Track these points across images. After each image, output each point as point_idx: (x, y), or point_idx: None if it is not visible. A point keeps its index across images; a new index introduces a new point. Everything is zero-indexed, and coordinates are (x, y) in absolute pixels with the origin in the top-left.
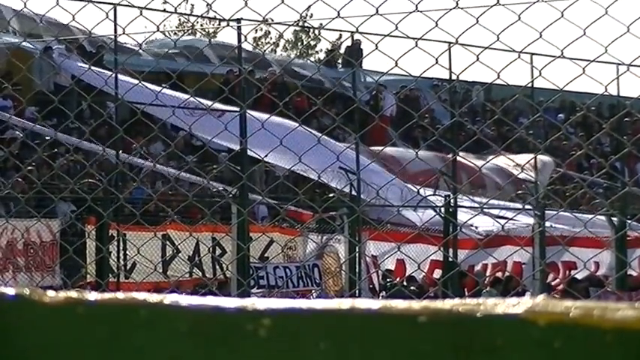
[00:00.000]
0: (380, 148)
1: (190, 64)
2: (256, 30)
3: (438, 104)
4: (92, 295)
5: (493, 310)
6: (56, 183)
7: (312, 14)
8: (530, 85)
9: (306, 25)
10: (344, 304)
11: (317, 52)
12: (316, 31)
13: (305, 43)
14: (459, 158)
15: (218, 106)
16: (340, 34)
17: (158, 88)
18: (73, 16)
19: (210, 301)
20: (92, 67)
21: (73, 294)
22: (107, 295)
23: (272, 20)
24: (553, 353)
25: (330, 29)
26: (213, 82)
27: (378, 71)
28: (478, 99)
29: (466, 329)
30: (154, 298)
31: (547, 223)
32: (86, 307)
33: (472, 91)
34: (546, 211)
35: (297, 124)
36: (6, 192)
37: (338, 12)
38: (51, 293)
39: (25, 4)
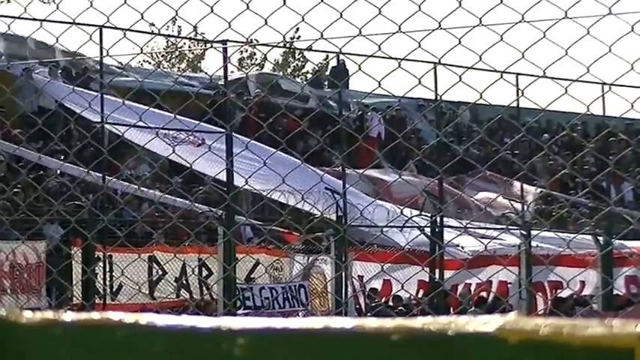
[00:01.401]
0: (367, 170)
1: (176, 86)
2: (241, 51)
3: (426, 125)
4: (68, 316)
5: (465, 329)
6: (42, 205)
7: (299, 36)
8: (515, 105)
9: (292, 46)
10: (318, 323)
11: (304, 73)
12: (303, 53)
13: (292, 64)
14: (445, 184)
15: (203, 126)
16: (327, 55)
17: (143, 108)
18: (57, 39)
19: (186, 320)
20: (76, 90)
21: (49, 315)
22: (83, 316)
23: (257, 41)
24: None
25: (315, 50)
26: (200, 104)
27: (363, 92)
28: (463, 119)
29: (439, 347)
30: (130, 318)
31: (534, 243)
32: (63, 328)
33: (459, 114)
34: (532, 231)
35: (282, 150)
36: None
37: (321, 33)
38: (28, 314)
39: (8, 26)
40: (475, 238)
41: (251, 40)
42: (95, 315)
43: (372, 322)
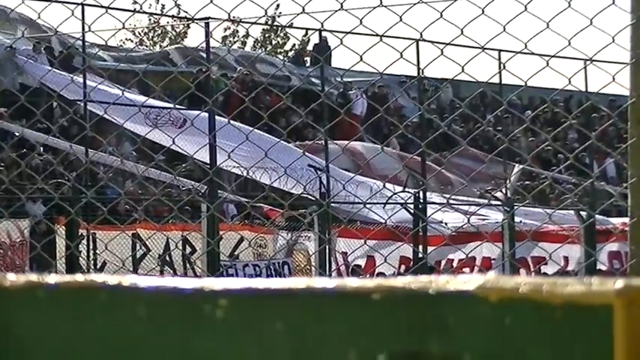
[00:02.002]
0: (349, 143)
1: (159, 66)
2: (225, 29)
3: (409, 102)
4: (52, 279)
5: (445, 287)
6: (25, 183)
7: (280, 12)
8: (497, 81)
9: (274, 22)
10: (300, 283)
11: (286, 51)
12: (285, 30)
13: (274, 42)
14: (428, 162)
15: (186, 112)
16: (307, 32)
17: (124, 90)
18: (39, 14)
19: (169, 282)
20: (57, 70)
21: (33, 278)
22: (67, 278)
23: (239, 18)
24: (504, 329)
25: (297, 27)
26: (183, 82)
27: (345, 69)
28: (446, 96)
29: (419, 306)
30: (113, 280)
31: (517, 219)
32: (46, 291)
33: (441, 88)
34: (516, 207)
35: (265, 128)
36: None
37: (303, 8)
38: (11, 277)
39: None
40: (460, 213)
41: (234, 17)
42: (79, 277)
43: (353, 282)
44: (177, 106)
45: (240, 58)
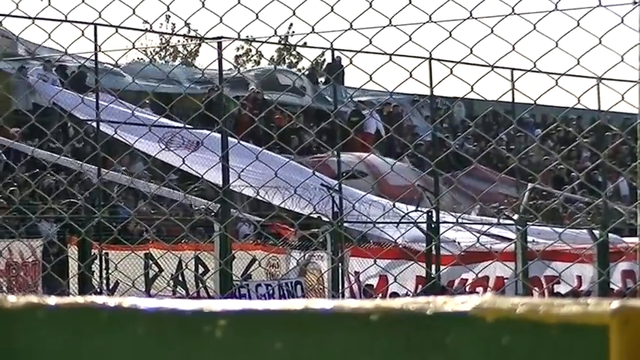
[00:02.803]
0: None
1: (172, 86)
2: (237, 49)
3: (422, 121)
4: (52, 300)
5: (442, 308)
6: (38, 203)
7: (293, 32)
8: (509, 100)
9: (286, 42)
10: (298, 304)
11: (300, 69)
12: (296, 49)
13: (287, 61)
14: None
15: (197, 132)
16: (323, 52)
17: (138, 111)
18: (49, 35)
19: (169, 303)
20: (68, 91)
21: (33, 299)
22: (67, 300)
23: (252, 37)
24: (501, 349)
25: (309, 47)
26: (195, 102)
27: (361, 88)
28: (458, 115)
29: (417, 327)
30: (113, 301)
31: (530, 239)
32: (47, 312)
33: (451, 107)
34: (527, 226)
35: (277, 146)
36: None
37: (312, 27)
38: (12, 298)
39: (0, 23)
40: (472, 232)
41: (246, 36)
42: (79, 298)
43: (351, 303)
44: (187, 126)
45: (259, 75)
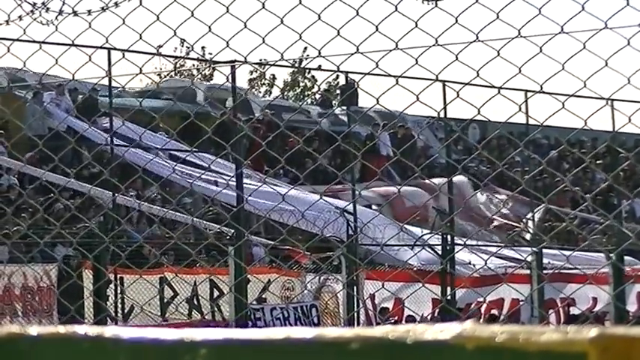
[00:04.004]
0: (376, 181)
1: (183, 105)
2: (251, 72)
3: (436, 143)
4: (34, 330)
5: (422, 337)
6: (51, 227)
7: (307, 55)
8: (521, 121)
9: (300, 65)
10: (278, 333)
11: (314, 92)
12: (312, 72)
13: (301, 84)
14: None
15: (216, 159)
16: (337, 75)
17: (142, 133)
18: (56, 60)
19: (150, 333)
20: (81, 115)
21: (15, 329)
22: (49, 329)
23: (266, 61)
24: None
25: (323, 70)
26: (209, 121)
27: (375, 109)
28: (473, 137)
29: (398, 355)
30: (94, 330)
31: (545, 260)
32: (28, 342)
33: (468, 129)
34: (540, 247)
35: (290, 174)
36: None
37: (319, 51)
38: None
39: (8, 48)
40: (477, 254)
41: (259, 60)
42: (61, 328)
43: (331, 332)
44: (198, 150)
45: (267, 107)
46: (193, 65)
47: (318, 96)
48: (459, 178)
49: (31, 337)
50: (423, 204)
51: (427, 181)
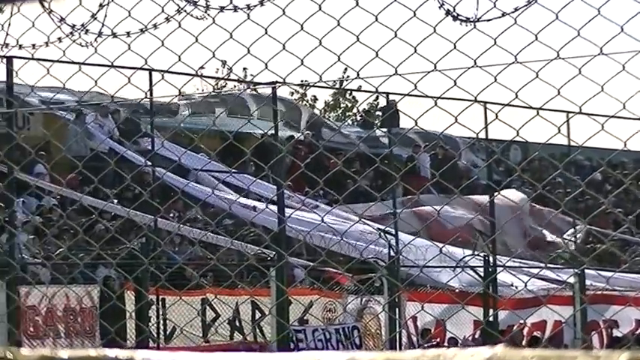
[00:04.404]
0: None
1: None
2: (292, 93)
3: (477, 163)
4: (64, 353)
5: None
6: (93, 249)
7: (348, 76)
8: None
9: (341, 86)
10: (310, 357)
11: (354, 113)
12: (353, 93)
13: (343, 105)
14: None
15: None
16: (378, 96)
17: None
18: (96, 82)
19: (181, 356)
20: (122, 140)
21: (47, 351)
22: (80, 352)
23: (306, 82)
24: None
25: (363, 90)
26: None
27: (415, 130)
28: (514, 158)
29: None
30: (124, 354)
31: (587, 282)
32: None
33: (510, 150)
34: (581, 268)
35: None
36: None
37: (357, 73)
38: (25, 351)
39: (48, 70)
40: (515, 276)
41: (300, 80)
42: (91, 351)
43: (362, 355)
44: (238, 171)
45: (310, 122)
46: (234, 86)
47: (359, 117)
48: (515, 195)
49: (62, 359)
50: (467, 222)
51: (474, 196)
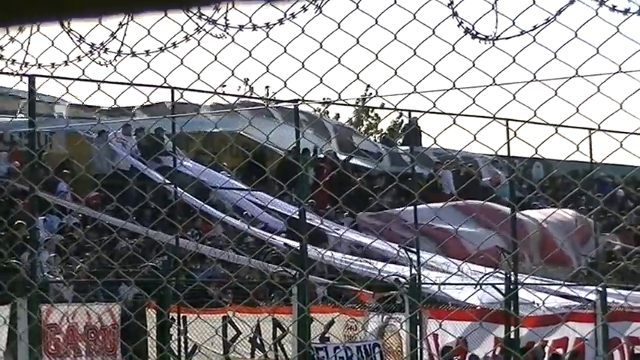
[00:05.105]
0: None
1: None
2: (315, 110)
3: (501, 180)
4: None
5: None
6: (113, 267)
7: (370, 93)
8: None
9: (363, 104)
10: None
11: (378, 131)
12: (375, 111)
13: (366, 122)
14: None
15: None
16: (401, 114)
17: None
18: (115, 100)
19: None
20: (142, 160)
21: None
22: None
23: (329, 100)
24: None
25: (384, 108)
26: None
27: (436, 147)
28: (537, 175)
29: None
30: None
31: (609, 299)
32: None
33: (532, 167)
34: (601, 285)
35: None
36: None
37: (376, 91)
38: None
39: (67, 89)
40: (532, 293)
41: (322, 98)
42: None
43: None
44: (257, 189)
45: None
46: (256, 104)
47: (380, 135)
48: (564, 214)
49: None
50: (481, 243)
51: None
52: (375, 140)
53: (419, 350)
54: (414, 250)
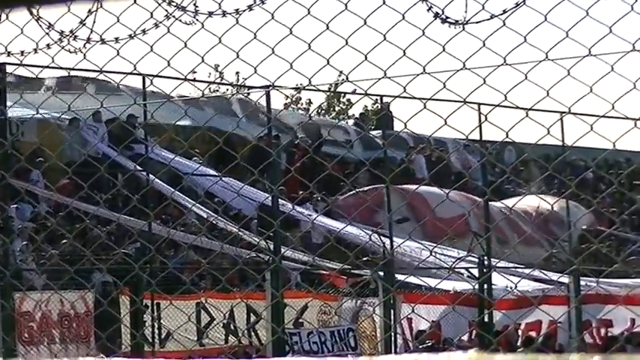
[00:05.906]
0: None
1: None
2: (286, 97)
3: (473, 164)
4: None
5: None
6: (86, 254)
7: (343, 79)
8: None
9: (335, 89)
10: None
11: (349, 116)
12: (347, 96)
13: (337, 108)
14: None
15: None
16: (376, 100)
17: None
18: (85, 88)
19: None
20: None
21: None
22: None
23: (301, 85)
24: None
25: (358, 94)
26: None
27: (410, 132)
28: (509, 159)
29: None
30: None
31: (582, 282)
32: None
33: (504, 152)
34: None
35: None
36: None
37: (346, 76)
38: None
39: (36, 76)
40: (504, 276)
41: (295, 84)
42: None
43: None
44: (227, 176)
45: (306, 125)
46: (227, 90)
47: (353, 119)
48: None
49: None
50: (462, 215)
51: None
52: (347, 123)
53: (393, 334)
54: (388, 234)
